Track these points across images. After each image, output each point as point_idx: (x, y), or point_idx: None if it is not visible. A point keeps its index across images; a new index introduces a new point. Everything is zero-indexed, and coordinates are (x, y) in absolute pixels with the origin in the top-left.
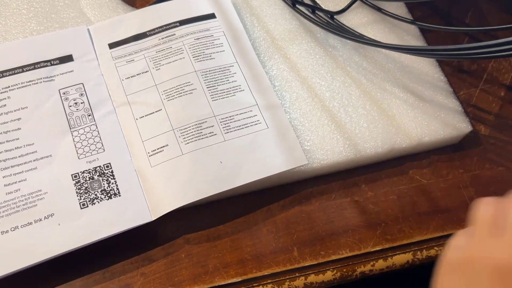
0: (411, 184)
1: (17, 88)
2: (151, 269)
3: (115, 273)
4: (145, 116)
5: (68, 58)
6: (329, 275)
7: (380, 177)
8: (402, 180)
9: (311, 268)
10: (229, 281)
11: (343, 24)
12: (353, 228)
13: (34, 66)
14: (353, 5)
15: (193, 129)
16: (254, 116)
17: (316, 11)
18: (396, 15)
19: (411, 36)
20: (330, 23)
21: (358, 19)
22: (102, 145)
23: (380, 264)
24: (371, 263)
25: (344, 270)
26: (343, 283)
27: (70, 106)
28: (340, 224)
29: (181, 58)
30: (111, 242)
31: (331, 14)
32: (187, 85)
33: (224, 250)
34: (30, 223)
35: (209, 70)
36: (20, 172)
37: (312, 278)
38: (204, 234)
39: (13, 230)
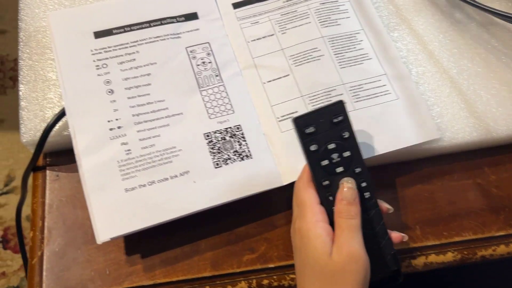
0: None
1: (145, 43)
2: (275, 234)
3: (239, 236)
4: (273, 80)
5: (193, 16)
6: (449, 256)
7: (503, 160)
8: None
9: (433, 248)
10: None
11: None
12: (476, 211)
13: (161, 21)
14: None
15: (322, 96)
16: (383, 86)
17: None
18: None
19: None
20: None
21: None
22: (232, 106)
23: (501, 249)
24: (493, 247)
25: (465, 252)
26: (462, 265)
27: (198, 65)
28: (462, 206)
29: (307, 23)
30: (236, 205)
31: None
32: (314, 51)
33: None
34: (166, 179)
35: (336, 37)
36: (153, 128)
37: (432, 258)
38: None
39: (150, 184)
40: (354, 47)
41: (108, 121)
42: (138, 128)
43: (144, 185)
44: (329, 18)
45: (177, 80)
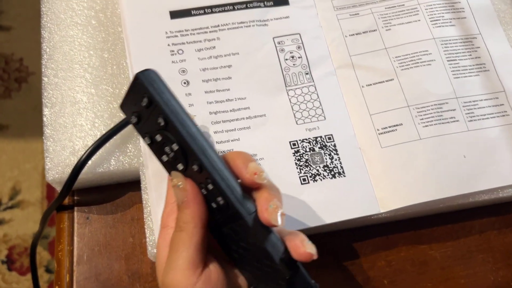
0: None
1: (228, 28)
2: None
3: None
4: (373, 84)
5: (283, 1)
6: None
7: None
8: None
9: None
10: None
11: None
12: None
13: (246, 5)
14: None
15: (432, 109)
16: (500, 105)
17: None
18: None
19: None
20: None
21: None
22: (323, 111)
23: None
24: None
25: None
26: None
27: (286, 59)
28: None
29: (416, 21)
30: None
31: None
32: (424, 54)
33: (433, 279)
34: None
35: (449, 40)
36: (232, 130)
37: None
38: (407, 257)
39: None
40: (470, 55)
41: None
42: (215, 129)
43: None
44: (442, 16)
45: (262, 75)
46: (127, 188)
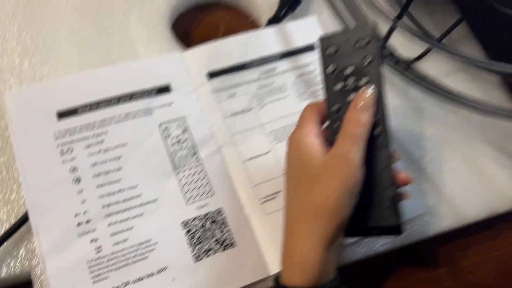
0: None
1: (115, 122)
2: None
3: None
4: (253, 158)
5: (165, 89)
6: None
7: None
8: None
9: None
10: None
11: (421, 74)
12: None
13: (131, 96)
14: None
15: None
16: None
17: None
18: (477, 60)
19: (493, 86)
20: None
21: (437, 69)
22: (211, 188)
23: None
24: None
25: None
26: None
27: (173, 144)
28: None
29: (284, 97)
30: None
31: (408, 63)
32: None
33: None
34: (141, 278)
35: None
36: (125, 219)
37: None
38: None
39: (124, 286)
40: None
41: (76, 215)
42: (109, 221)
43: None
44: (306, 91)
45: (151, 162)
46: None
